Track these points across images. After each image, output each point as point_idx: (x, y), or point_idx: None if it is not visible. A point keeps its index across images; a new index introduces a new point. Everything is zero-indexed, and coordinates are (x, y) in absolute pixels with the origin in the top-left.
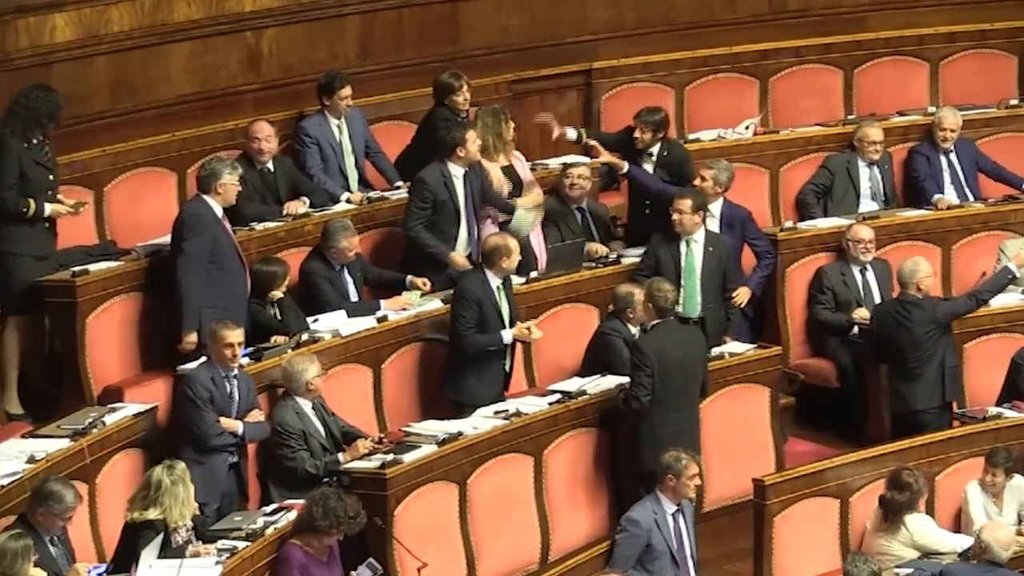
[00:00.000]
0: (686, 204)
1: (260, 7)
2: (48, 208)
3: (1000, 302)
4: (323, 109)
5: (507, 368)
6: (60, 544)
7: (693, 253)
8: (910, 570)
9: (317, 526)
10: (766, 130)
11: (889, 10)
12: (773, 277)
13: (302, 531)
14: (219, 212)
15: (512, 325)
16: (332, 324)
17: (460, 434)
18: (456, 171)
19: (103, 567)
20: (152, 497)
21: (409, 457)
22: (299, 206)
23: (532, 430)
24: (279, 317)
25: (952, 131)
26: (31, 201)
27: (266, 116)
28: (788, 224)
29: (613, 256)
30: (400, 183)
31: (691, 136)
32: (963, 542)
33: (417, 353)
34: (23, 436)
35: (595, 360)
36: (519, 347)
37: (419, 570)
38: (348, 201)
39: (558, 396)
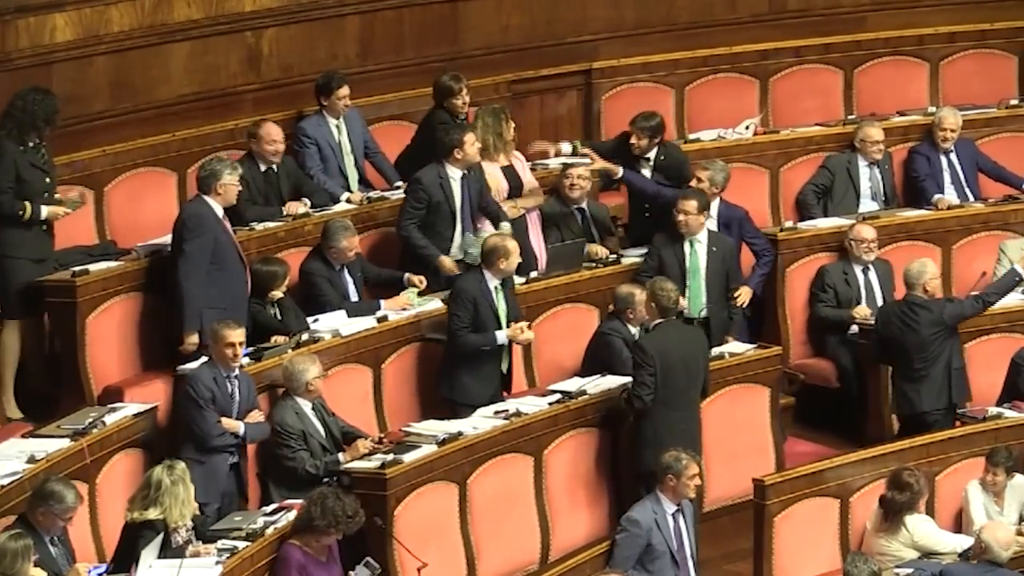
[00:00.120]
0: (692, 205)
1: (260, 7)
2: (45, 211)
3: (1000, 302)
4: (321, 109)
5: (504, 369)
6: (60, 544)
7: (697, 253)
8: (910, 570)
9: (315, 525)
10: (766, 130)
11: (889, 10)
12: (773, 277)
13: (301, 531)
14: (220, 212)
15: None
16: (332, 324)
17: (460, 434)
18: (454, 173)
19: (103, 567)
20: (152, 497)
21: (409, 457)
22: (299, 206)
23: (532, 430)
24: (279, 317)
25: (952, 131)
26: (27, 204)
27: (266, 116)
28: (788, 224)
29: (613, 257)
30: (400, 183)
31: (691, 136)
32: (963, 542)
33: (417, 353)
34: (23, 436)
35: (595, 360)
36: (519, 347)
37: (419, 570)
38: (348, 201)
39: (558, 396)
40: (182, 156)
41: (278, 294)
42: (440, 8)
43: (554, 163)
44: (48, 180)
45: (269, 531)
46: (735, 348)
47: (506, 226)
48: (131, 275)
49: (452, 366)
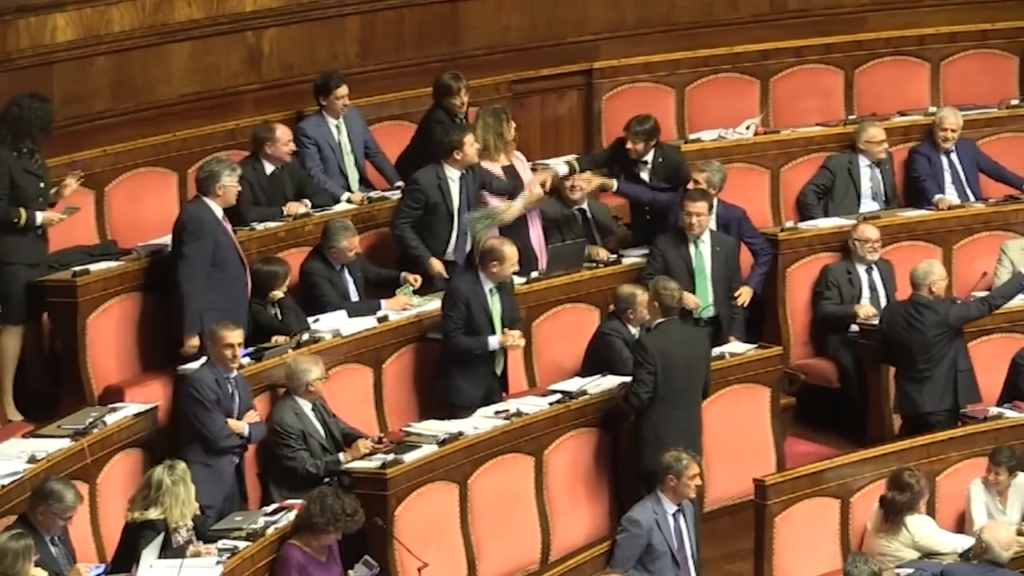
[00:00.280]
0: (702, 206)
1: (261, 7)
2: (40, 217)
3: None
4: (321, 110)
5: (498, 372)
6: (61, 544)
7: (702, 254)
8: (911, 570)
9: (315, 524)
10: (767, 130)
11: (890, 10)
12: (774, 277)
13: (301, 530)
14: (219, 213)
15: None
16: (333, 324)
17: (461, 434)
18: (452, 174)
19: (104, 567)
20: (153, 497)
21: (410, 457)
22: (299, 207)
23: (533, 430)
24: (280, 317)
25: (953, 131)
26: (22, 211)
27: (266, 116)
28: (789, 224)
29: (613, 258)
30: (400, 183)
31: (692, 136)
32: (963, 542)
33: (418, 353)
34: (24, 436)
35: (595, 360)
36: (518, 350)
37: (420, 570)
38: (348, 201)
39: (559, 396)
40: (183, 156)
41: (279, 294)
42: (440, 8)
43: (554, 163)
44: (43, 185)
45: (269, 531)
46: (736, 348)
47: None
48: (132, 275)
49: (445, 367)
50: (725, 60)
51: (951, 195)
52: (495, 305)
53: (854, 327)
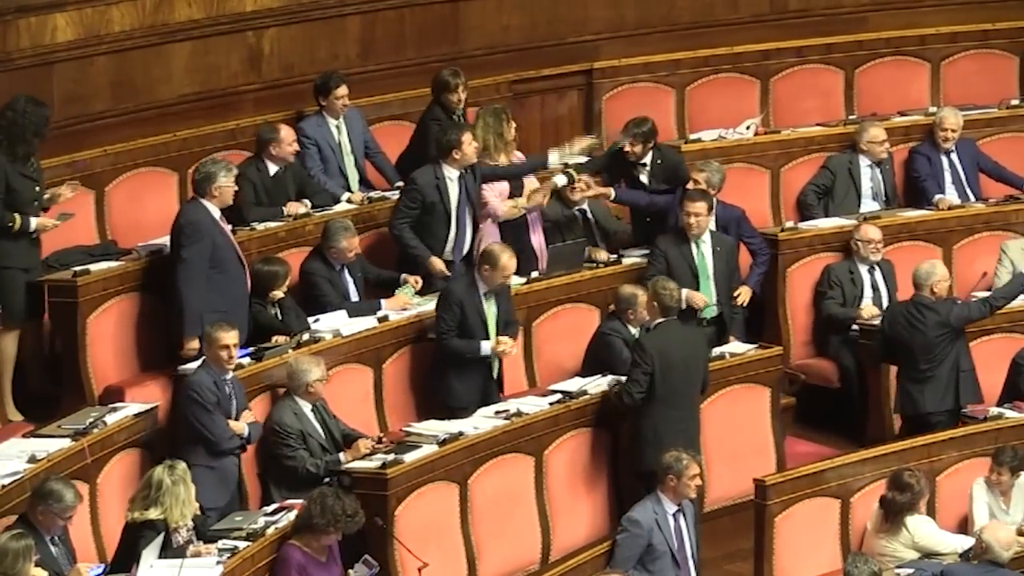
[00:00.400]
0: (702, 206)
1: (261, 7)
2: (34, 222)
3: None
4: (321, 110)
5: (493, 374)
6: (61, 544)
7: (704, 254)
8: (911, 570)
9: (315, 524)
10: (767, 130)
11: (890, 10)
12: (774, 277)
13: (301, 531)
14: (216, 214)
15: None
16: (333, 324)
17: (461, 434)
18: (451, 173)
19: (104, 567)
20: (153, 497)
21: (410, 457)
22: (299, 207)
23: (533, 430)
24: (280, 317)
25: (953, 131)
26: (17, 216)
27: (267, 116)
28: (789, 224)
29: (614, 258)
30: (401, 183)
31: (692, 136)
32: (964, 543)
33: (418, 353)
34: (24, 436)
35: (595, 360)
36: (519, 349)
37: (420, 570)
38: (349, 201)
39: (559, 396)
40: (183, 156)
41: (279, 294)
42: (441, 8)
43: (555, 163)
44: (38, 188)
45: (270, 531)
46: (736, 348)
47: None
48: (132, 275)
49: (439, 369)
50: (725, 60)
51: (951, 195)
52: (490, 309)
53: (855, 327)
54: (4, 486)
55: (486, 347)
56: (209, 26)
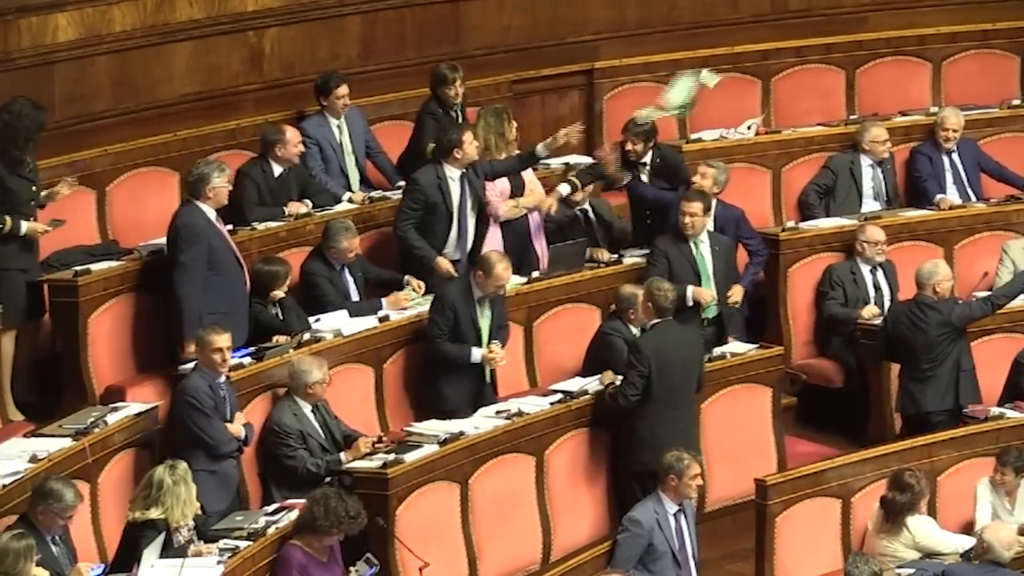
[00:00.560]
0: (698, 207)
1: (262, 7)
2: (25, 227)
3: None
4: (322, 110)
5: (485, 378)
6: (62, 544)
7: (703, 254)
8: (912, 570)
9: (318, 526)
10: (768, 130)
11: (891, 10)
12: (775, 277)
13: (302, 531)
14: (212, 215)
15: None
16: (334, 324)
17: (462, 434)
18: (452, 173)
19: (104, 567)
20: (154, 497)
21: (411, 457)
22: (300, 207)
23: (533, 430)
24: (281, 317)
25: (954, 131)
26: (8, 218)
27: (267, 116)
28: (790, 224)
29: (615, 258)
30: (402, 183)
31: (693, 136)
32: (965, 543)
33: (419, 353)
34: (25, 435)
35: (596, 360)
36: (519, 348)
37: (421, 570)
38: (350, 201)
39: (559, 396)
40: (183, 156)
41: (279, 294)
42: (441, 8)
43: (556, 163)
44: (35, 189)
45: (270, 531)
46: (737, 348)
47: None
48: (133, 275)
49: (429, 373)
50: (726, 60)
51: (952, 195)
52: (483, 315)
53: (856, 327)
54: (5, 486)
55: (477, 354)
56: (210, 26)
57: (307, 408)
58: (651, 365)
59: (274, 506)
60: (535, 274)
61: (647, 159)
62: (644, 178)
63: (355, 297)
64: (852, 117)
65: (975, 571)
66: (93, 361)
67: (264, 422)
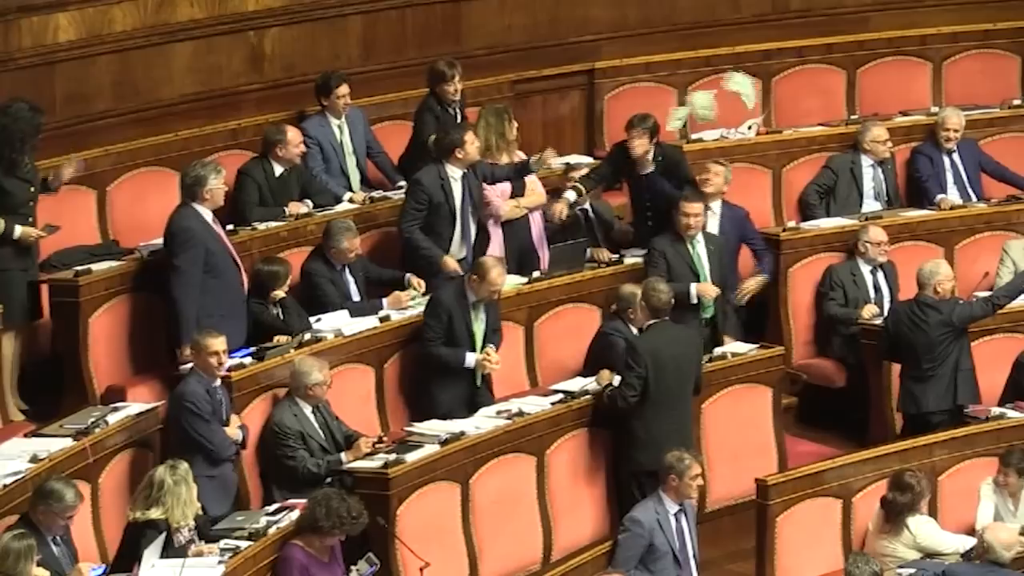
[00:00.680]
0: (700, 207)
1: (263, 7)
2: (19, 231)
3: None
4: (323, 110)
5: (477, 382)
6: (63, 544)
7: (700, 254)
8: (912, 570)
9: (320, 527)
10: (769, 130)
11: (892, 10)
12: (775, 277)
13: (304, 531)
14: (209, 217)
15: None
16: (335, 324)
17: (463, 434)
18: (454, 173)
19: (105, 567)
20: (155, 497)
21: (412, 457)
22: (301, 207)
23: (534, 430)
24: (281, 317)
25: (955, 131)
26: (1, 221)
27: (268, 116)
28: (791, 224)
29: (615, 258)
30: (403, 183)
31: (694, 136)
32: (965, 543)
33: (420, 353)
34: (26, 435)
35: (597, 360)
36: (520, 348)
37: (421, 570)
38: (350, 201)
39: (560, 396)
40: (184, 156)
41: (280, 294)
42: (442, 8)
43: (556, 163)
44: (32, 189)
45: (271, 531)
46: (737, 348)
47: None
48: (133, 275)
49: (422, 377)
50: (727, 60)
51: (953, 195)
52: (478, 319)
53: (856, 327)
54: (6, 486)
55: (471, 359)
56: (211, 26)
57: (308, 409)
58: (648, 366)
59: (275, 506)
60: (536, 274)
61: (650, 155)
62: (645, 173)
63: (356, 297)
64: (853, 117)
65: (975, 571)
66: (94, 361)
67: (265, 423)
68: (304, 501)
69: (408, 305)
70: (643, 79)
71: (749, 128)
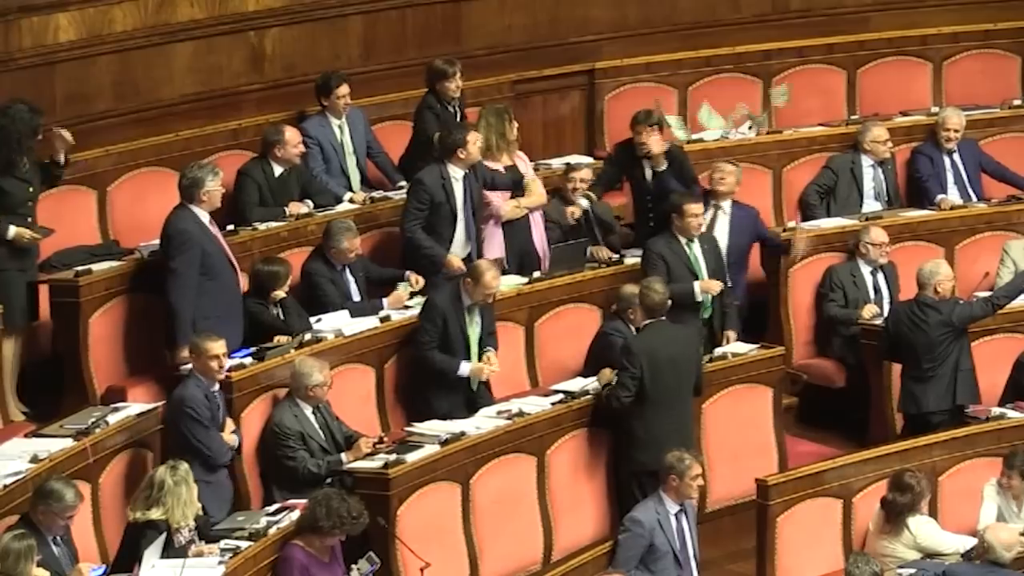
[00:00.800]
0: (701, 207)
1: (263, 7)
2: (12, 231)
3: None
4: (323, 110)
5: (473, 387)
6: (63, 544)
7: (696, 254)
8: (913, 570)
9: (320, 527)
10: (769, 130)
11: (892, 10)
12: (776, 277)
13: (304, 531)
14: (206, 219)
15: (482, 352)
16: (335, 324)
17: (463, 434)
18: (456, 173)
19: (105, 567)
20: (155, 497)
21: (412, 457)
22: (301, 207)
23: (535, 430)
24: (282, 317)
25: (956, 131)
26: None
27: (269, 116)
28: (791, 224)
29: (616, 257)
30: (403, 183)
31: (695, 136)
32: (965, 543)
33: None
34: (26, 436)
35: (597, 360)
36: (520, 348)
37: (422, 570)
38: (351, 201)
39: (561, 396)
40: (185, 156)
41: (280, 294)
42: (443, 8)
43: (557, 163)
44: (31, 189)
45: (272, 531)
46: (738, 348)
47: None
48: (134, 275)
49: (417, 381)
50: (727, 60)
51: (953, 195)
52: (473, 323)
53: (854, 328)
54: (6, 486)
55: (465, 368)
56: (211, 26)
57: (308, 410)
58: (642, 366)
59: (275, 506)
60: (536, 274)
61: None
62: (648, 172)
63: (356, 297)
64: (853, 117)
65: (976, 571)
66: (94, 361)
67: (265, 423)
68: (304, 501)
69: (407, 305)
70: (644, 79)
71: (750, 128)
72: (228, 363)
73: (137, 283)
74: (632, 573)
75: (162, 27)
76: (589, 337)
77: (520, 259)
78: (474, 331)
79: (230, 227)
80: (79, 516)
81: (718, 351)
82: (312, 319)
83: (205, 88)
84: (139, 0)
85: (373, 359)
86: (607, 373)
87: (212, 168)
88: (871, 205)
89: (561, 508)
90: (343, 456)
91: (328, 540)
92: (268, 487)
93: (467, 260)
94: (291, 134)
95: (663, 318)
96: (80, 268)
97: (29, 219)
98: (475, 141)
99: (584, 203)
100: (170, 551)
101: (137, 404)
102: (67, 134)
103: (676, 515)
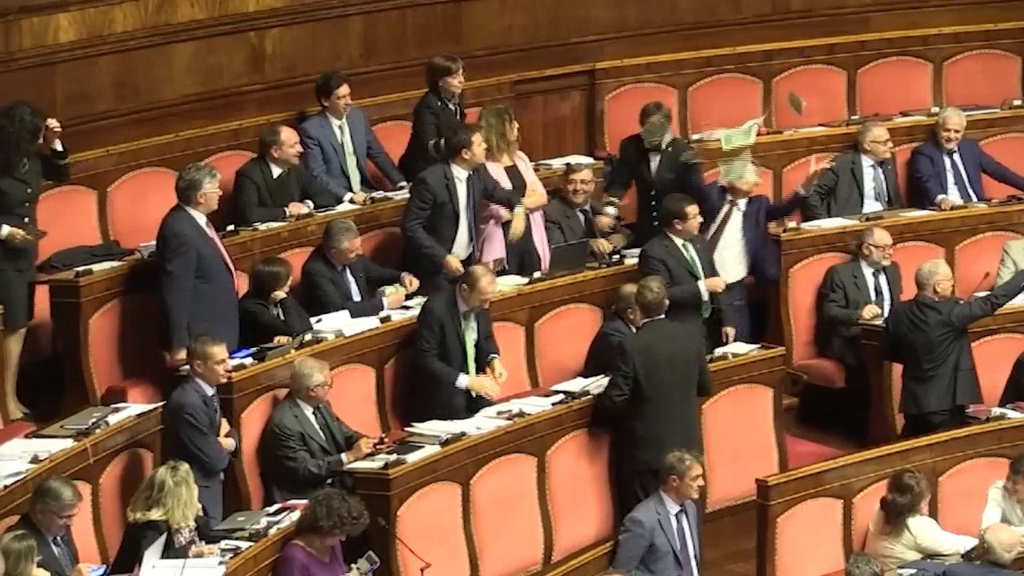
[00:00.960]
0: (697, 208)
1: (264, 7)
2: (5, 230)
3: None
4: (323, 110)
5: (472, 393)
6: (63, 544)
7: (693, 255)
8: (913, 570)
9: (320, 527)
10: (770, 130)
11: (893, 10)
12: (777, 277)
13: (304, 531)
14: (202, 221)
15: (478, 357)
16: (335, 324)
17: (463, 434)
18: (460, 174)
19: (105, 568)
20: (155, 498)
21: (412, 457)
22: (301, 207)
23: (535, 430)
24: (282, 317)
25: (956, 131)
26: None
27: (269, 117)
28: (792, 224)
29: (615, 254)
30: (403, 183)
31: (695, 136)
32: (966, 543)
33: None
34: (26, 436)
35: (598, 360)
36: (520, 349)
37: (422, 570)
38: (351, 201)
39: (561, 396)
40: (186, 156)
41: (281, 294)
42: (443, 8)
43: (557, 163)
44: (30, 191)
45: (272, 531)
46: (738, 348)
47: (519, 210)
48: (134, 275)
49: (413, 386)
50: (728, 60)
51: (954, 196)
52: (469, 328)
53: (854, 328)
54: (6, 486)
55: (463, 380)
56: (212, 26)
57: (308, 410)
58: (635, 365)
59: (276, 507)
60: (536, 274)
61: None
62: (652, 166)
63: (356, 297)
64: (854, 117)
65: (976, 572)
66: (94, 362)
67: (265, 424)
68: (304, 502)
69: (406, 305)
70: (644, 79)
71: (750, 128)
72: (229, 364)
73: (137, 283)
74: (632, 573)
75: (162, 27)
76: (589, 337)
77: (520, 259)
78: (470, 337)
79: (230, 227)
80: (79, 516)
81: (718, 351)
82: (312, 319)
83: (206, 88)
84: (139, 0)
85: (373, 359)
86: None
87: (209, 170)
88: (871, 205)
89: (561, 508)
90: (343, 456)
91: (328, 540)
92: (268, 487)
93: (468, 261)
94: (287, 135)
95: (662, 317)
96: (80, 268)
97: (26, 219)
98: (480, 143)
99: (612, 211)
100: (170, 552)
101: (137, 405)
102: (52, 122)
103: (676, 515)
